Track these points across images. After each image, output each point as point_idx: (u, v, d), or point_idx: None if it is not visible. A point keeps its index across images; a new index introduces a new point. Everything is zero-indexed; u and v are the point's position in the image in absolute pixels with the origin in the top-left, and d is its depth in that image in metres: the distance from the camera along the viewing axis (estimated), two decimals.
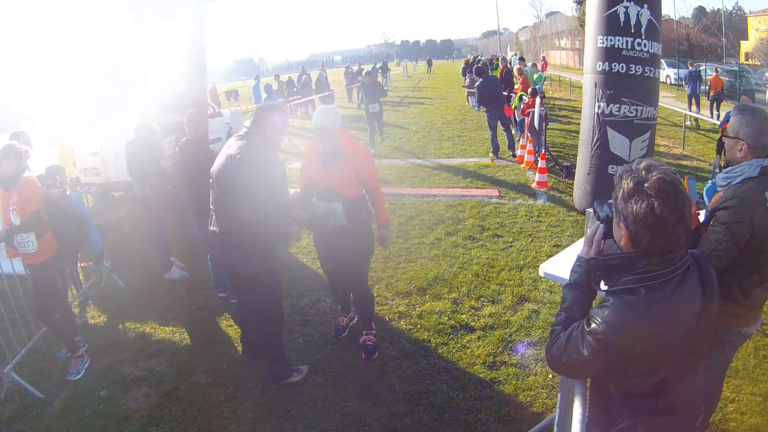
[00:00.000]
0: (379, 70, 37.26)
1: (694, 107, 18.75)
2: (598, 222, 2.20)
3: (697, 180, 6.59)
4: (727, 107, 19.93)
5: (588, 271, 2.19)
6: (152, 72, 8.36)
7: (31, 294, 5.05)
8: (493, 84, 13.31)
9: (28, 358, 5.19)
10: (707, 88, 19.24)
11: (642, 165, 1.91)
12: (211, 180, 4.31)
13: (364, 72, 18.04)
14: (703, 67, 21.85)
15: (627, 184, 1.89)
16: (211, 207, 4.34)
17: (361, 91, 15.80)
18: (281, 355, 4.65)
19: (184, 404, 4.46)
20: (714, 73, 18.84)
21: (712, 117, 16.98)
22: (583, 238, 2.29)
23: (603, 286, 2.13)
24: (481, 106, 14.07)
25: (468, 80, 22.31)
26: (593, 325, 1.94)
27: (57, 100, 8.17)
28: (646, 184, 1.84)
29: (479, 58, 37.16)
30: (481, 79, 13.39)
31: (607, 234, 2.15)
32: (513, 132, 13.37)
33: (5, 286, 5.29)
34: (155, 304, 6.28)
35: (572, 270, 2.28)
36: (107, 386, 4.76)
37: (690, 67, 19.94)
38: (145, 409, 4.43)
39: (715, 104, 18.41)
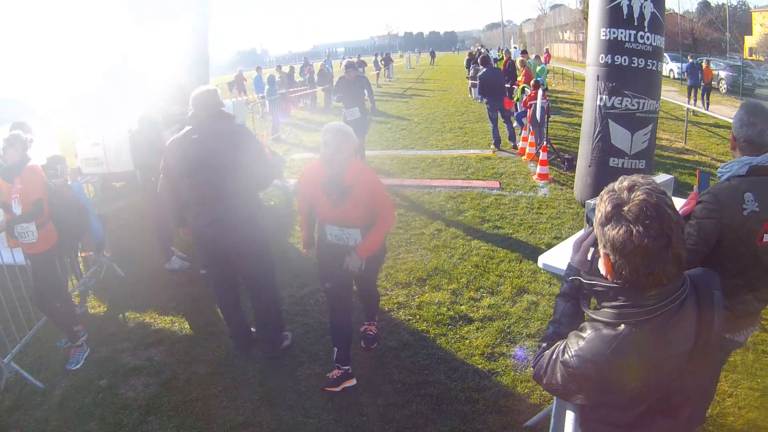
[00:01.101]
0: (382, 62, 36.91)
1: (692, 100, 19.09)
2: (591, 227, 1.99)
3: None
4: (726, 101, 20.04)
5: (576, 286, 2.02)
6: (155, 64, 8.39)
7: (31, 284, 5.07)
8: (495, 75, 13.27)
9: (28, 348, 5.22)
10: (700, 79, 19.52)
11: (625, 183, 1.68)
12: (182, 171, 4.34)
13: (343, 64, 12.00)
14: (705, 61, 21.91)
15: (605, 206, 1.68)
16: (193, 197, 4.38)
17: (339, 90, 11.09)
18: (283, 319, 5.01)
19: (182, 393, 4.48)
20: (705, 65, 19.37)
21: (705, 108, 17.29)
22: (579, 233, 2.19)
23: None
24: (483, 98, 13.92)
25: (472, 71, 22.23)
26: (566, 356, 1.79)
27: (62, 97, 8.19)
28: (625, 208, 1.62)
29: (481, 50, 36.80)
30: (484, 69, 13.36)
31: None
32: (514, 124, 13.31)
33: (5, 276, 5.30)
34: (155, 294, 6.30)
35: (563, 278, 2.14)
36: (107, 376, 4.78)
37: (690, 59, 20.13)
38: (144, 398, 4.45)
39: (705, 95, 19.08)
